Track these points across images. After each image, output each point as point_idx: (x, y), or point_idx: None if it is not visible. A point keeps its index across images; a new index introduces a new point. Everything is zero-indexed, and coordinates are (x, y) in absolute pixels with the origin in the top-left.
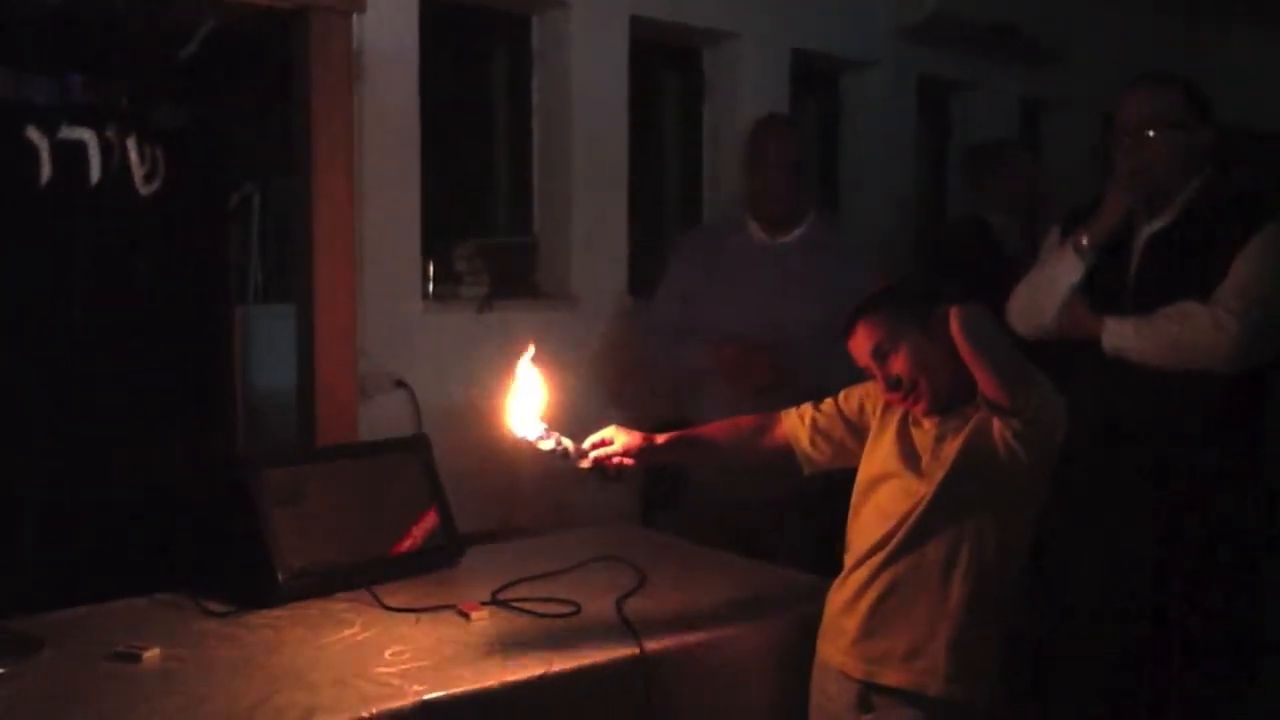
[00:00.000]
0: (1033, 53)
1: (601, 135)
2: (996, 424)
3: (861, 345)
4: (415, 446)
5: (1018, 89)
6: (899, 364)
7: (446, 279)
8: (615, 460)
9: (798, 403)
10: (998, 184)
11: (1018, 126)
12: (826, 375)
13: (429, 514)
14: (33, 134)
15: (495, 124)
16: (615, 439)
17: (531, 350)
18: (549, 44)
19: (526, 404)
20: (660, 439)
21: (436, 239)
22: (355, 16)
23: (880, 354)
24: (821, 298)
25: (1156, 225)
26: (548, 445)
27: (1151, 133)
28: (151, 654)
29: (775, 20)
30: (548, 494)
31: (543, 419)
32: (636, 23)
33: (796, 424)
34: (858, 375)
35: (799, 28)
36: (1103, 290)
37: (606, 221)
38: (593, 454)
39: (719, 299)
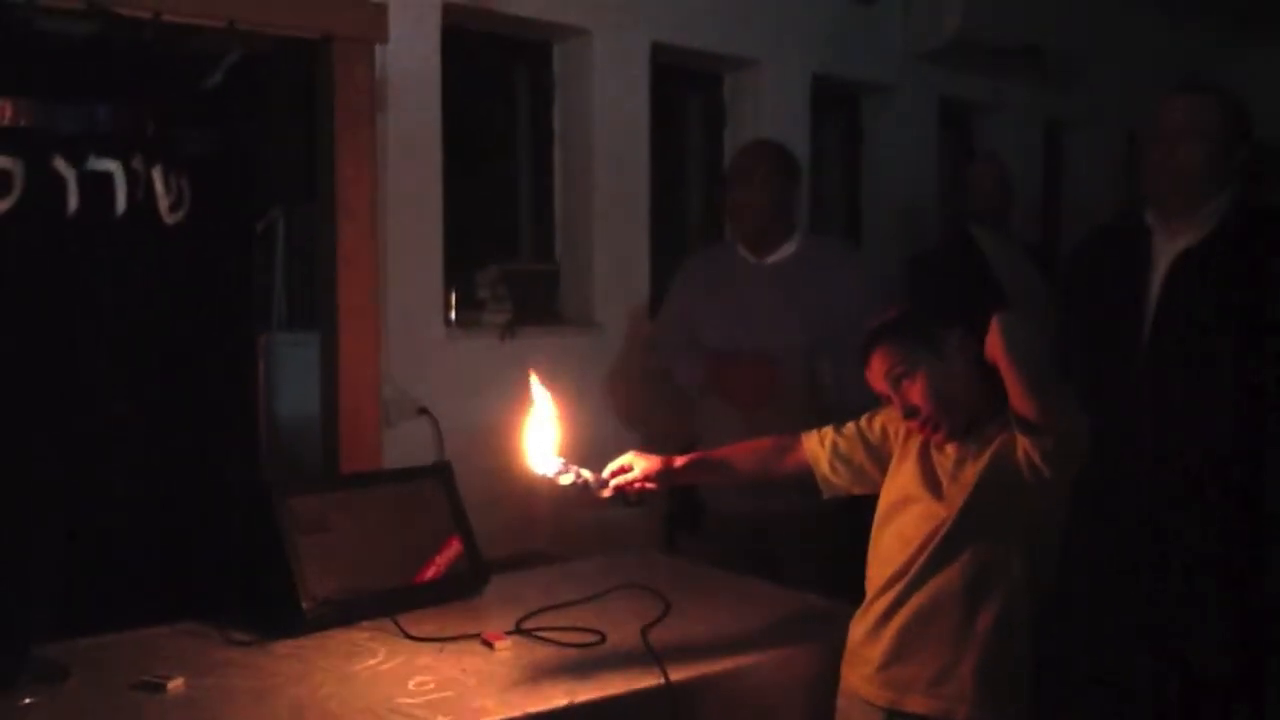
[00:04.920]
0: (1055, 73)
1: (623, 161)
2: (1022, 442)
3: (877, 373)
4: (439, 474)
5: (1040, 109)
6: (916, 393)
7: (469, 305)
8: (636, 485)
9: (789, 419)
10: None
11: (1041, 147)
12: (812, 391)
13: (452, 542)
14: (60, 164)
15: (517, 150)
16: (634, 465)
17: (537, 385)
18: (570, 70)
19: (542, 441)
20: (678, 461)
21: (459, 265)
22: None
23: (895, 382)
24: (805, 316)
25: (1181, 244)
26: (568, 479)
27: (1186, 140)
28: (176, 683)
29: (796, 45)
30: (571, 520)
31: (560, 453)
32: (657, 49)
33: (816, 447)
34: (850, 389)
35: (820, 52)
36: (1119, 313)
37: (629, 247)
38: (613, 482)
39: (711, 318)
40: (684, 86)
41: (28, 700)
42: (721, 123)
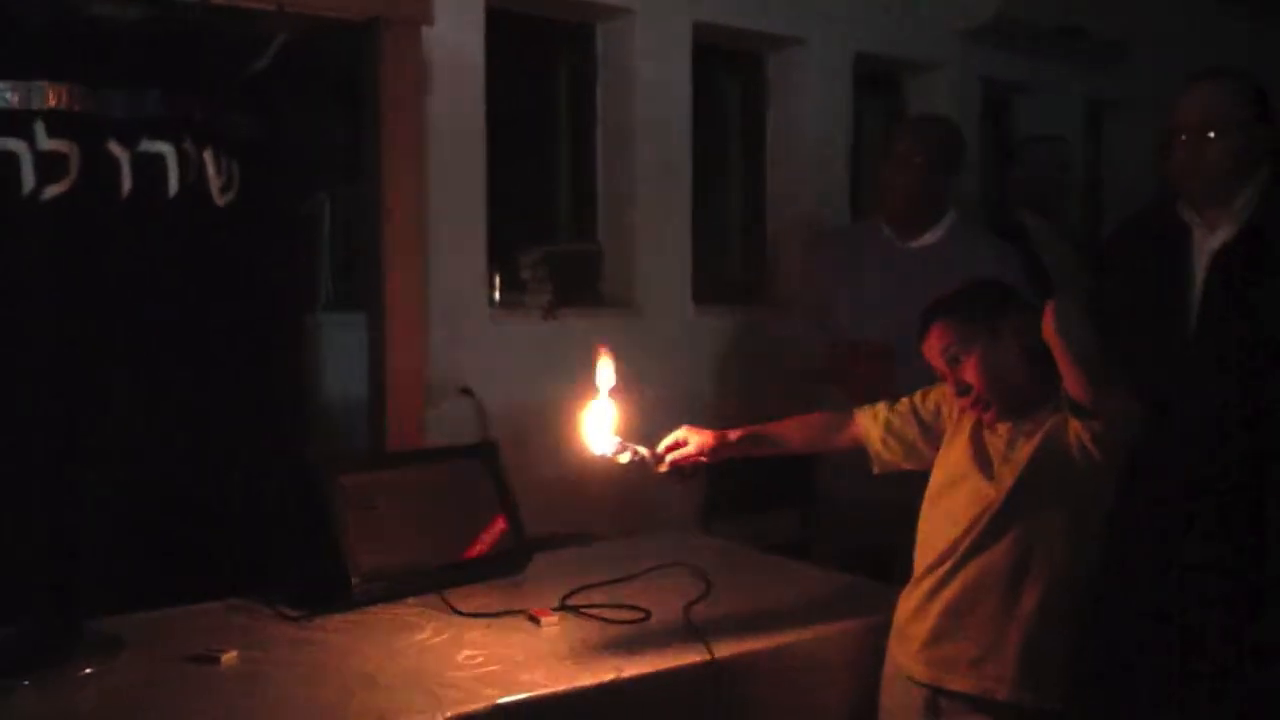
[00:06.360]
0: (1097, 53)
1: (665, 142)
2: (1074, 426)
3: (933, 349)
4: (484, 452)
5: (1082, 89)
6: (969, 371)
7: (512, 287)
8: (691, 460)
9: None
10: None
11: (1081, 128)
12: (932, 384)
13: (498, 519)
14: (114, 147)
15: (559, 132)
16: (689, 439)
17: (605, 366)
18: (613, 51)
19: (600, 422)
20: (733, 435)
21: (501, 247)
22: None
23: (951, 359)
24: None
25: (1221, 237)
26: (625, 458)
27: (1211, 133)
28: (229, 656)
29: (838, 24)
30: (613, 498)
31: (617, 433)
32: (699, 29)
33: (869, 422)
34: None
35: (862, 31)
36: (1160, 309)
37: (670, 228)
38: (669, 457)
39: (843, 299)
40: (725, 66)
41: (86, 671)
42: (763, 103)
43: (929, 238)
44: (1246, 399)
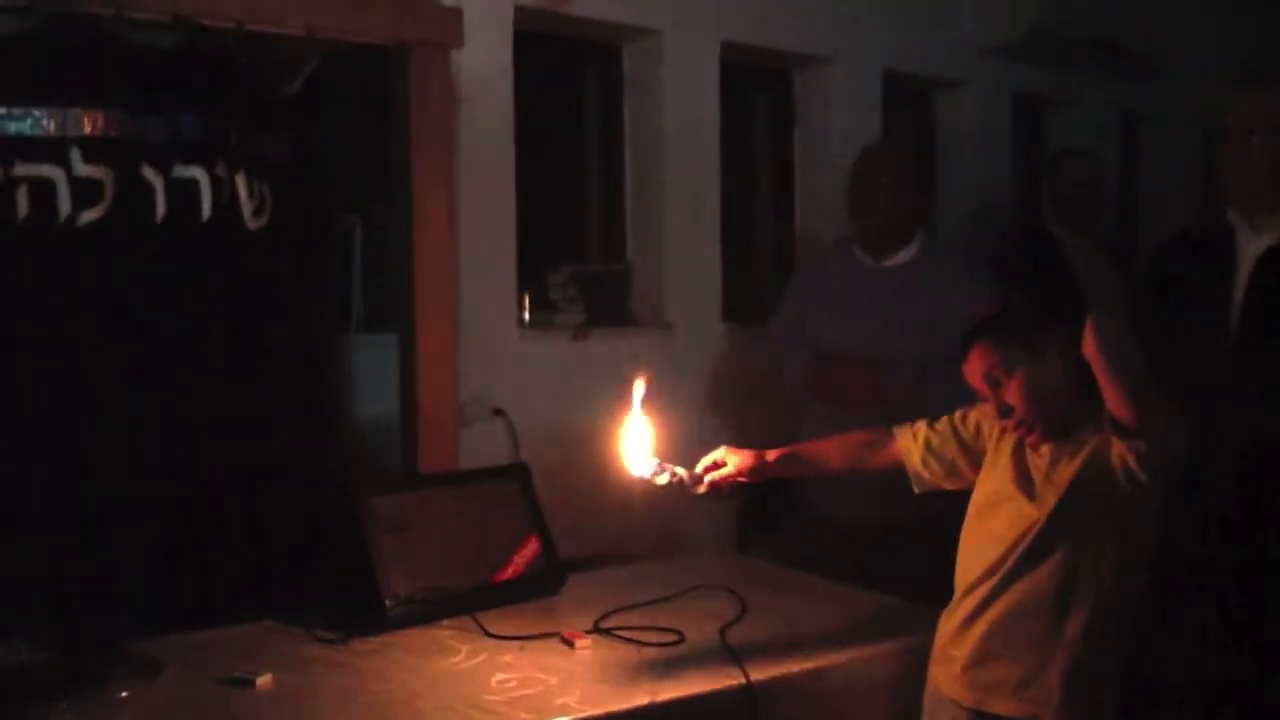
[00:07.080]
0: (1131, 66)
1: (693, 161)
2: (1117, 447)
3: (974, 370)
4: (516, 474)
5: (1115, 104)
6: (1011, 393)
7: (541, 307)
8: (729, 480)
9: (892, 425)
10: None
11: (1117, 142)
12: (921, 400)
13: (530, 541)
14: (148, 172)
15: (587, 151)
16: (727, 460)
17: (641, 388)
18: (640, 71)
19: (638, 443)
20: (771, 455)
21: (531, 267)
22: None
23: (993, 381)
24: (917, 324)
25: (1266, 241)
26: (663, 479)
27: (1256, 138)
28: (264, 679)
29: (866, 42)
30: (645, 519)
31: (654, 454)
32: (727, 48)
33: (909, 442)
34: (955, 398)
35: (890, 49)
36: (1202, 312)
37: (700, 247)
38: (707, 478)
39: (822, 319)
40: (753, 84)
41: (124, 694)
42: (791, 120)
43: (901, 257)
44: (1249, 397)
